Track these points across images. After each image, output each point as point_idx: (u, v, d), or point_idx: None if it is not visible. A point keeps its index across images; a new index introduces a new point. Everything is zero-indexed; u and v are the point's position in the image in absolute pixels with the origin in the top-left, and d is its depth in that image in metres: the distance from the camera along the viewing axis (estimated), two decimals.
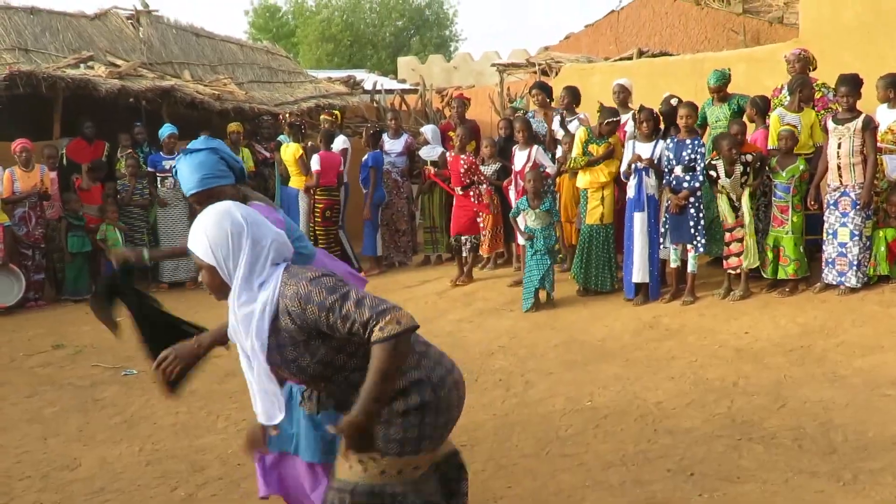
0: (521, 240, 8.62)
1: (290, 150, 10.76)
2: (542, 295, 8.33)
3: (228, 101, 12.38)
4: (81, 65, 11.51)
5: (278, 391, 2.73)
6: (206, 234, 2.65)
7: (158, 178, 10.65)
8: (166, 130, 10.69)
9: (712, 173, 7.73)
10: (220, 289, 2.70)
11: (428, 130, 11.28)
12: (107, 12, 13.12)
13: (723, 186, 7.68)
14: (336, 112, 12.34)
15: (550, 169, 8.91)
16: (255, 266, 2.63)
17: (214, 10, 60.28)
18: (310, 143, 11.08)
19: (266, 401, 2.72)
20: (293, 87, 14.74)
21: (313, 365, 2.62)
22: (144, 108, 11.84)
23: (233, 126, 11.42)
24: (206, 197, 3.48)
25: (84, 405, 6.05)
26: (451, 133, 10.84)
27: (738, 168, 7.61)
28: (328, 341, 2.60)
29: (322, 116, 12.03)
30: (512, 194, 9.06)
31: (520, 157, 8.98)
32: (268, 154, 11.48)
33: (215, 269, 2.66)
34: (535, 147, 8.92)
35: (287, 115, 11.37)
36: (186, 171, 3.53)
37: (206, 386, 6.38)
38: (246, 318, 2.61)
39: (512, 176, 9.12)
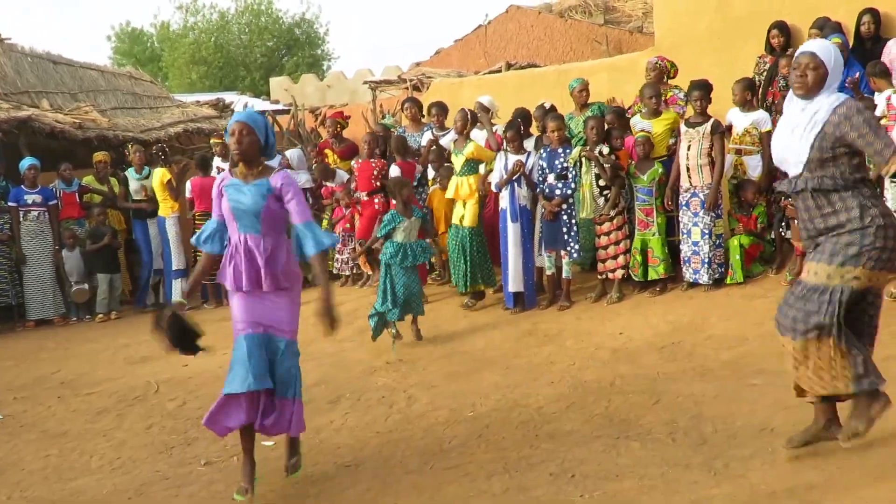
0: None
1: (157, 177, 10.53)
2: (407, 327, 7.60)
3: (91, 129, 11.92)
4: None
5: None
6: (836, 52, 3.96)
7: (21, 213, 10.21)
8: (27, 163, 10.30)
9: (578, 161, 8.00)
10: (813, 83, 3.91)
11: (293, 156, 11.04)
12: None
13: (586, 179, 7.94)
14: None
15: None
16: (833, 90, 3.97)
17: (74, 36, 58.10)
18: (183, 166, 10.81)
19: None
20: (160, 112, 14.36)
21: (822, 154, 3.88)
22: (1, 140, 11.31)
23: (99, 155, 11.12)
24: None
25: None
26: (327, 150, 10.77)
27: (602, 148, 7.88)
28: (842, 147, 3.87)
29: (212, 140, 11.71)
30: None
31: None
32: None
33: (823, 65, 3.90)
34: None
35: (141, 146, 11.04)
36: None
37: (77, 426, 6.14)
38: (820, 110, 3.90)
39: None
